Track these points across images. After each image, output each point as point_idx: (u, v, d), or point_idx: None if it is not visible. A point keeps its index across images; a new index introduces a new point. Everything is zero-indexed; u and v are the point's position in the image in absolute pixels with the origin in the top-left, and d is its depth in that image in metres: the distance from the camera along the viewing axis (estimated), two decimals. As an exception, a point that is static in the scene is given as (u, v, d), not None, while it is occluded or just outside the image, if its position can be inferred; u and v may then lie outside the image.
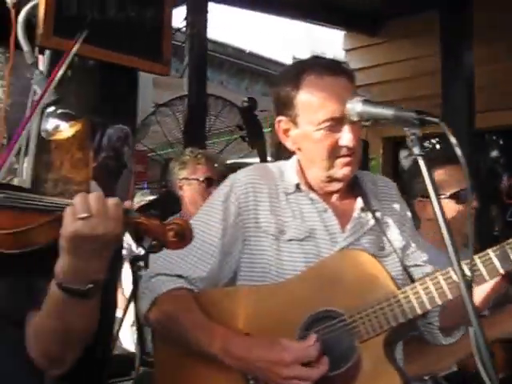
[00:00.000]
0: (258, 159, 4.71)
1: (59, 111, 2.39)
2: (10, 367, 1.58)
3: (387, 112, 1.63)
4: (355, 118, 1.73)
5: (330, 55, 7.80)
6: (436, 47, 5.54)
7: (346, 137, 1.83)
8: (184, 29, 4.93)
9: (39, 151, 2.59)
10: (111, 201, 1.41)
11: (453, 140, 1.47)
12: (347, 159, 1.87)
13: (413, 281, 1.94)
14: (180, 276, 1.85)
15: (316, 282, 1.80)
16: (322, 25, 7.02)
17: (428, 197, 2.61)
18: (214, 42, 6.36)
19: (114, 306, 2.85)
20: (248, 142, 4.13)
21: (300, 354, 1.67)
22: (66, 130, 2.42)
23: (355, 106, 1.70)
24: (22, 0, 2.40)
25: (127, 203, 1.46)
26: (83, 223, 1.38)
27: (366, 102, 1.69)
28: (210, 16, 5.15)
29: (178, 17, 4.97)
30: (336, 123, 1.83)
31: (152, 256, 2.81)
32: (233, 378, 1.76)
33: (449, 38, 5.39)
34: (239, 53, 7.68)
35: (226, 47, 7.47)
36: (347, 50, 7.17)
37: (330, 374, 1.68)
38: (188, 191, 3.73)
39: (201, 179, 3.68)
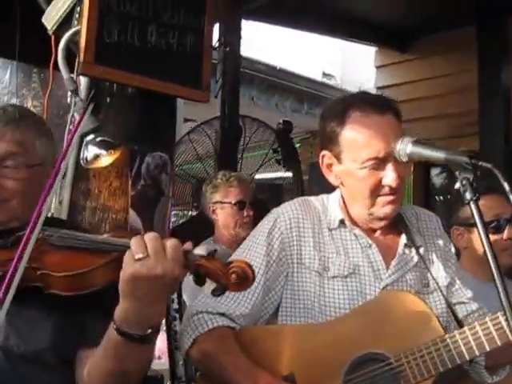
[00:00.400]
0: (289, 174, 4.66)
1: (98, 139, 2.37)
2: None
3: (438, 155, 1.62)
4: (405, 159, 1.70)
5: (361, 71, 7.77)
6: (469, 64, 5.47)
7: (389, 176, 1.80)
8: (217, 47, 4.90)
9: (77, 179, 2.57)
10: (169, 241, 1.39)
11: (506, 187, 1.47)
12: (390, 198, 1.84)
13: (457, 319, 1.92)
14: (222, 314, 1.83)
15: (361, 322, 1.77)
16: (354, 41, 6.97)
17: (465, 225, 2.64)
18: (245, 59, 6.32)
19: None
20: (283, 165, 4.10)
21: None
22: (105, 158, 2.40)
23: (405, 147, 1.67)
24: (62, 26, 2.39)
25: (187, 245, 1.43)
26: (141, 264, 1.36)
27: (416, 143, 1.66)
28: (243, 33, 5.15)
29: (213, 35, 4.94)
30: (380, 162, 1.81)
31: (192, 289, 2.77)
32: None
33: (486, 54, 5.32)
34: (270, 69, 7.64)
35: (256, 63, 7.44)
36: (378, 67, 7.12)
37: None
38: (221, 215, 3.71)
39: (233, 202, 3.66)
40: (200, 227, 4.00)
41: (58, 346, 1.59)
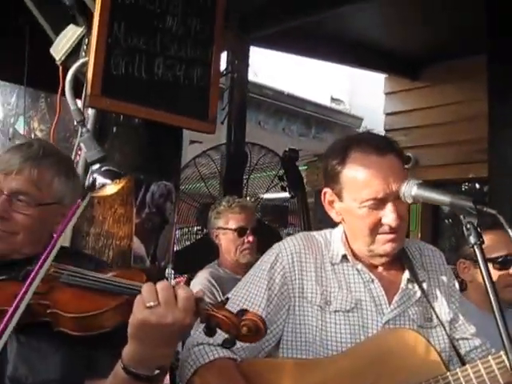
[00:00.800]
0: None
1: (104, 168, 2.40)
2: None
3: (443, 199, 1.65)
4: (409, 201, 1.71)
5: (369, 97, 7.78)
6: (480, 92, 5.47)
7: (389, 216, 1.82)
8: (225, 74, 4.95)
9: (82, 206, 2.60)
10: (181, 291, 1.40)
11: (510, 233, 1.50)
12: (389, 236, 1.85)
13: (459, 354, 1.91)
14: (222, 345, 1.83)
15: (363, 359, 1.76)
16: (363, 68, 7.01)
17: (471, 260, 2.67)
18: (253, 84, 6.38)
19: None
20: (289, 192, 4.13)
21: None
22: (111, 187, 2.43)
23: (410, 190, 1.69)
24: (70, 57, 2.44)
25: (198, 292, 1.45)
26: (151, 312, 1.38)
27: (421, 185, 1.68)
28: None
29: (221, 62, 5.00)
30: (379, 202, 1.82)
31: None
32: None
33: (497, 82, 5.31)
34: (277, 94, 7.70)
35: (264, 88, 7.50)
36: (388, 93, 7.15)
37: None
38: (223, 240, 3.75)
39: (233, 228, 3.70)
40: (205, 250, 4.03)
41: (66, 377, 1.59)
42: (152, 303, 1.38)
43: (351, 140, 1.92)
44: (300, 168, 4.56)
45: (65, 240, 2.58)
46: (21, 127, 5.98)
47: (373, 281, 1.91)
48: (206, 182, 4.87)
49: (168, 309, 1.38)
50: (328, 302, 1.87)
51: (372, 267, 1.94)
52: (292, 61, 7.50)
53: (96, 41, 2.26)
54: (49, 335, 1.56)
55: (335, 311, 1.86)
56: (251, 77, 5.76)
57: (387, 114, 7.07)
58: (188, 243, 4.85)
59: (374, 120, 7.51)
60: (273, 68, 7.70)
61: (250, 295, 1.90)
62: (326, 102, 8.69)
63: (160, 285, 1.41)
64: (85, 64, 2.37)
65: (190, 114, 2.53)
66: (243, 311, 1.42)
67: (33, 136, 4.92)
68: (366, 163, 1.83)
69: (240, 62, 4.84)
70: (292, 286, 1.89)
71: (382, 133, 6.03)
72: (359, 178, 1.83)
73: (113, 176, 2.40)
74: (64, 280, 1.58)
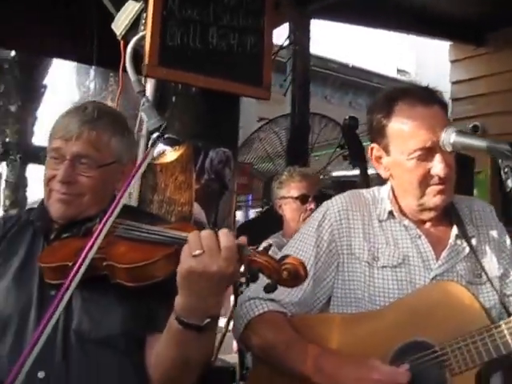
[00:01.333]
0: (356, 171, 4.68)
1: (164, 136, 2.52)
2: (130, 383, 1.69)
3: (481, 144, 1.64)
4: (449, 149, 1.72)
5: (435, 67, 7.65)
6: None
7: (437, 166, 1.82)
8: (287, 45, 4.99)
9: (145, 174, 2.73)
10: (224, 238, 1.45)
11: None
12: (439, 187, 1.85)
13: (507, 311, 1.89)
14: (272, 300, 1.89)
15: (408, 312, 1.79)
16: (428, 36, 6.90)
17: None
18: (318, 57, 6.39)
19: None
20: (349, 161, 4.13)
21: (388, 378, 1.67)
22: (170, 154, 2.55)
23: (449, 137, 1.70)
24: (130, 31, 2.56)
25: (241, 239, 1.49)
26: (197, 260, 1.43)
27: (460, 132, 1.68)
28: (313, 32, 5.22)
29: (282, 34, 5.05)
30: (427, 152, 1.82)
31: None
32: None
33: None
34: (343, 67, 7.68)
35: (329, 62, 7.50)
36: (453, 61, 7.01)
37: None
38: (286, 210, 3.79)
39: (295, 196, 3.74)
40: (270, 222, 4.10)
41: (127, 331, 1.67)
42: (197, 252, 1.43)
43: (395, 93, 1.92)
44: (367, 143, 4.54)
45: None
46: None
47: (420, 237, 1.91)
48: (272, 160, 4.93)
49: (212, 257, 1.42)
50: (375, 258, 1.89)
51: (419, 223, 1.94)
52: (356, 33, 7.45)
53: (152, 14, 2.36)
54: (110, 290, 1.64)
55: (383, 267, 1.88)
56: (315, 50, 5.77)
57: (453, 83, 6.94)
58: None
59: (441, 90, 7.38)
60: (337, 41, 7.67)
61: (298, 253, 1.94)
62: (393, 74, 8.60)
63: (204, 233, 1.46)
64: (143, 37, 2.47)
65: (245, 81, 2.60)
66: (284, 256, 1.46)
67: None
68: (411, 114, 1.84)
69: (300, 34, 4.87)
70: (340, 242, 1.93)
71: (449, 102, 5.95)
72: (405, 130, 1.84)
73: (172, 143, 2.52)
74: (119, 233, 1.66)
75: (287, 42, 4.87)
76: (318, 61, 6.54)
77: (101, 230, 1.59)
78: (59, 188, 1.77)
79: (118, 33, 2.61)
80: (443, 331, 1.72)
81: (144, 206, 2.72)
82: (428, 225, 1.95)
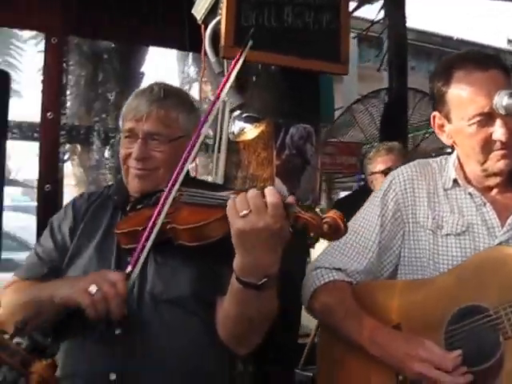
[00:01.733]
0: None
1: (244, 115, 2.62)
2: (202, 342, 1.82)
3: None
4: (502, 112, 1.70)
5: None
6: None
7: (498, 131, 1.81)
8: (382, 19, 4.96)
9: (230, 151, 2.84)
10: (270, 197, 1.53)
11: None
12: (501, 152, 1.84)
13: None
14: (339, 269, 1.96)
15: (466, 276, 1.79)
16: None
17: None
18: (420, 32, 6.27)
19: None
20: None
21: (436, 359, 1.69)
22: (251, 131, 2.64)
23: (501, 100, 1.69)
24: (209, 15, 2.67)
25: (290, 198, 1.57)
26: (244, 220, 1.53)
27: None
28: (413, 6, 5.14)
29: (376, 10, 5.02)
30: (487, 118, 1.81)
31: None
32: (383, 373, 1.81)
33: None
34: (447, 40, 7.46)
35: (432, 36, 7.31)
36: None
37: (472, 369, 1.67)
38: (376, 185, 3.81)
39: (381, 170, 3.75)
40: (363, 199, 4.12)
41: (196, 293, 1.80)
42: (245, 211, 1.52)
43: (454, 60, 1.92)
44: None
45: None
46: (196, 93, 6.49)
47: (485, 204, 1.91)
48: (365, 135, 4.94)
49: (259, 215, 1.51)
50: (440, 226, 1.91)
51: (484, 191, 1.94)
52: (460, 5, 7.23)
53: (227, -3, 2.45)
54: (177, 254, 1.79)
55: (446, 235, 1.90)
56: (417, 25, 5.69)
57: None
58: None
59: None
60: (439, 14, 7.48)
61: (364, 221, 2.00)
62: (503, 45, 8.28)
63: (250, 193, 1.54)
64: (220, 20, 2.57)
65: (322, 57, 2.64)
66: (326, 211, 1.54)
67: (207, 100, 5.33)
68: (469, 80, 1.83)
69: (394, 8, 4.81)
70: (405, 211, 1.96)
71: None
72: (463, 96, 1.84)
73: (252, 120, 2.63)
74: (183, 200, 1.80)
75: (381, 16, 4.83)
76: (420, 35, 6.43)
77: (166, 197, 1.77)
78: (135, 165, 1.94)
79: (198, 17, 2.73)
80: (500, 295, 1.71)
81: (229, 182, 2.83)
82: (494, 192, 1.94)
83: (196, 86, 6.12)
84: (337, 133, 5.91)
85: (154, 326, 1.77)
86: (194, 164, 2.72)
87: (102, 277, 1.68)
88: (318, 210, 1.57)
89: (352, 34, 6.18)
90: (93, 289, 1.64)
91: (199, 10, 2.69)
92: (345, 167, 6.46)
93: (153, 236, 1.75)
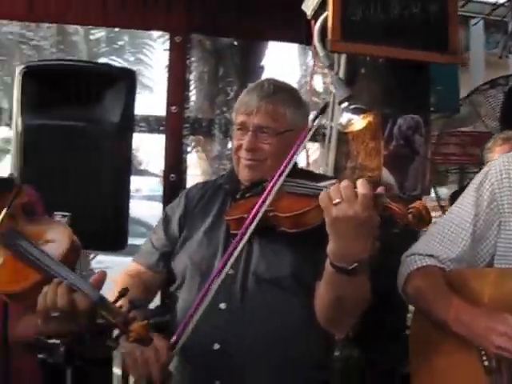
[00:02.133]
0: None
1: (352, 106, 2.70)
2: (301, 323, 1.95)
3: None
4: None
5: None
6: None
7: None
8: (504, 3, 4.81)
9: (340, 143, 2.94)
10: (361, 188, 1.64)
11: None
12: None
13: None
14: (431, 256, 2.00)
15: None
16: None
17: None
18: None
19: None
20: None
21: None
22: (358, 122, 2.72)
23: None
24: (319, 11, 2.76)
25: (380, 188, 1.68)
26: (337, 208, 1.65)
27: None
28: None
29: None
30: None
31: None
32: (467, 350, 1.84)
33: None
34: None
35: None
36: None
37: None
38: (494, 175, 3.73)
39: None
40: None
41: (295, 273, 1.94)
42: (337, 200, 1.65)
43: None
44: None
45: (326, 172, 2.97)
46: (319, 84, 6.60)
47: None
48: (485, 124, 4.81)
49: (349, 204, 1.63)
50: None
51: None
52: None
53: (333, -7, 2.54)
54: (280, 239, 1.93)
55: None
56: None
57: None
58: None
59: None
60: None
61: (459, 210, 2.02)
62: None
63: (343, 184, 1.67)
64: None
65: (430, 48, 2.65)
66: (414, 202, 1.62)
67: (328, 91, 5.44)
68: None
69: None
70: (501, 201, 1.95)
71: None
72: None
73: (359, 112, 2.70)
74: (287, 190, 1.93)
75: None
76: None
77: (271, 188, 1.91)
78: (245, 155, 2.08)
79: (308, 12, 2.83)
80: None
81: (339, 172, 2.93)
82: None
83: (316, 77, 6.22)
84: (462, 124, 5.78)
85: (256, 303, 1.92)
86: (306, 154, 2.85)
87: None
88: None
89: (474, 20, 6.03)
90: (137, 352, 1.79)
91: (309, 6, 2.79)
92: (475, 158, 6.30)
93: (255, 223, 1.88)
